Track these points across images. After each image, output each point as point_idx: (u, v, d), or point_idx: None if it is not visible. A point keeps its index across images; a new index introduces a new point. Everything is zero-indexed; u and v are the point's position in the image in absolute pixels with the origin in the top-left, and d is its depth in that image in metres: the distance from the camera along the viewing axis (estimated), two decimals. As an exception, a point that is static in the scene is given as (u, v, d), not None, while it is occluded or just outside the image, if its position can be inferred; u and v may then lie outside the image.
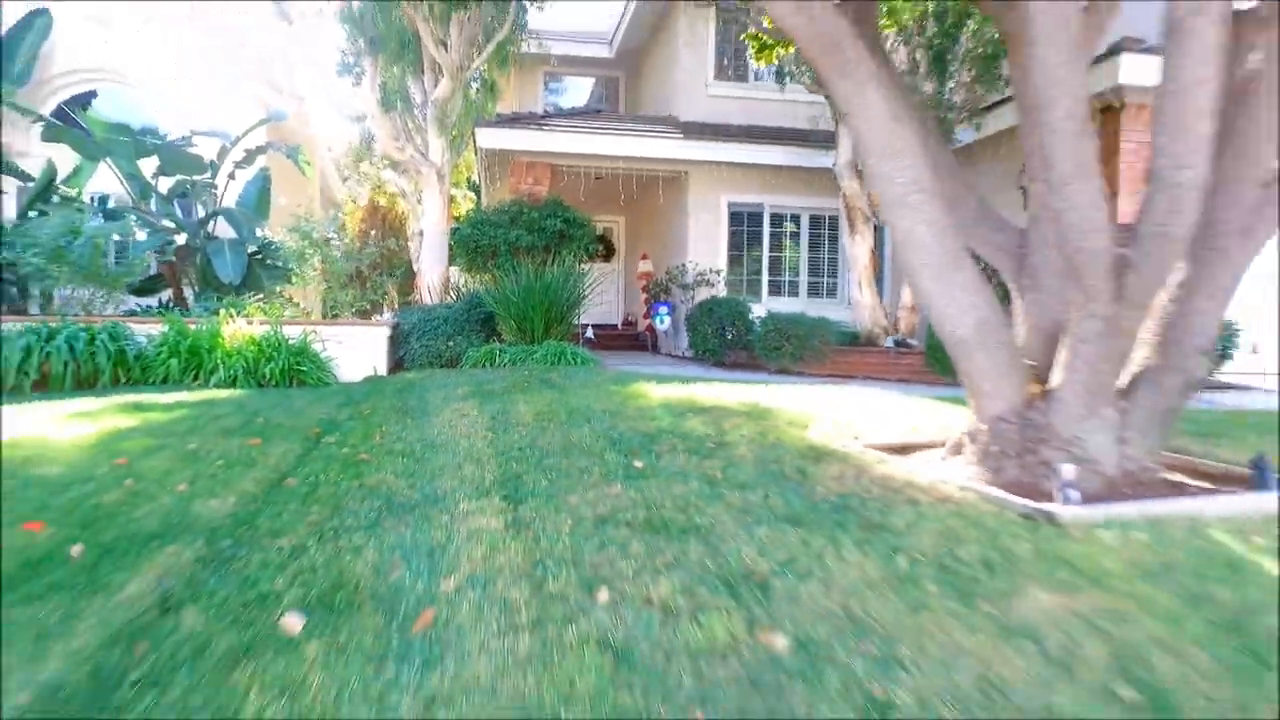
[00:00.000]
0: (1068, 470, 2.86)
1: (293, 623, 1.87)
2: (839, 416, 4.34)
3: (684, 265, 11.12)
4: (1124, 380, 3.24)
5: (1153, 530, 2.57)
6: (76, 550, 2.27)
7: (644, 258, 12.92)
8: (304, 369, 7.13)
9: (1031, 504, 2.78)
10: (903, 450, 3.80)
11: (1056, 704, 1.64)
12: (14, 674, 1.65)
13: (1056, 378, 3.24)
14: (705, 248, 11.31)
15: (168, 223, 9.82)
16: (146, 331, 7.19)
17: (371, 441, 3.72)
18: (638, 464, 3.13)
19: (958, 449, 3.47)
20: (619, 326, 14.68)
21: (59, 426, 3.73)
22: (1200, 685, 1.71)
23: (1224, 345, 7.63)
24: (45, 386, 6.31)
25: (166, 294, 10.14)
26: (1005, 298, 3.79)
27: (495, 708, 1.56)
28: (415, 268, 12.95)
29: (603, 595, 2.03)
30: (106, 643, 1.78)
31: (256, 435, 3.73)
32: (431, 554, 2.29)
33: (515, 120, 9.99)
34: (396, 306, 12.89)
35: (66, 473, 2.95)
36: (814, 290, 11.89)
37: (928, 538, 2.46)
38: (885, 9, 6.37)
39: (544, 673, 1.67)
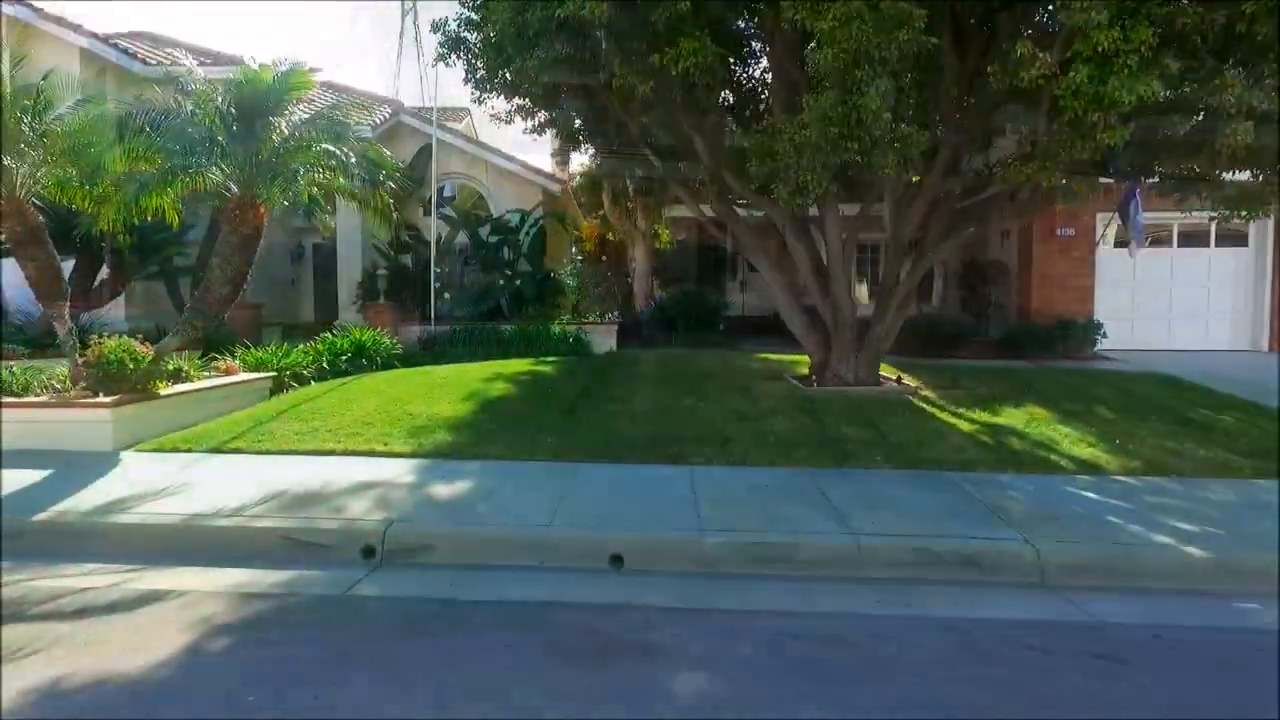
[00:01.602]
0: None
1: (440, 379, 9.01)
2: (803, 362, 10.86)
3: (795, 281, 17.49)
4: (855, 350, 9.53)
5: (832, 393, 8.95)
6: (442, 378, 9.62)
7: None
8: (579, 347, 14.69)
9: (805, 387, 9.23)
10: (799, 376, 10.26)
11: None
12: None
13: (832, 349, 9.55)
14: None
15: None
16: (500, 327, 15.10)
17: (615, 369, 10.89)
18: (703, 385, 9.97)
19: (805, 373, 9.92)
20: (771, 316, 21.19)
21: (452, 370, 11.38)
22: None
23: (1092, 333, 12.73)
24: (470, 356, 14.35)
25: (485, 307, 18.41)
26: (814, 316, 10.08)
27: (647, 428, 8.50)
28: (631, 284, 20.35)
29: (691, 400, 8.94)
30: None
31: (573, 372, 11.10)
32: (635, 400, 9.30)
33: (679, 200, 16.97)
34: (618, 310, 20.43)
35: (449, 378, 10.43)
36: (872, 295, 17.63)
37: (772, 395, 9.07)
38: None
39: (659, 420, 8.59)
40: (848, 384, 9.36)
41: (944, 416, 8.23)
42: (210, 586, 4.27)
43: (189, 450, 6.96)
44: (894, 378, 9.81)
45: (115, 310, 13.13)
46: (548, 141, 26.04)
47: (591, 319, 15.97)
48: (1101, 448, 7.09)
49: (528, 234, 18.90)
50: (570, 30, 7.38)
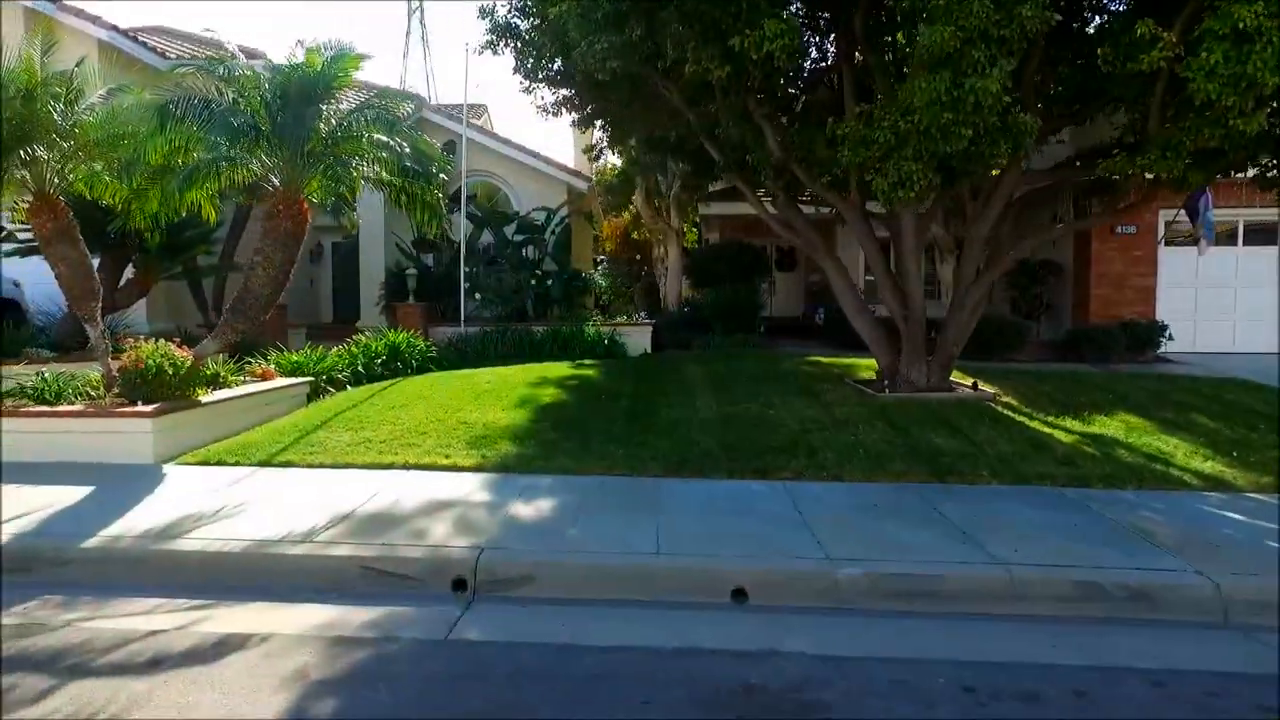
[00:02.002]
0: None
1: (485, 385, 8.50)
2: (863, 365, 10.34)
3: (832, 281, 16.96)
4: (928, 355, 9.01)
5: (906, 399, 8.44)
6: (486, 385, 9.11)
7: (815, 270, 18.82)
8: (614, 349, 14.18)
9: (875, 392, 8.72)
10: (863, 381, 9.74)
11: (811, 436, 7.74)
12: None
13: (902, 353, 9.03)
14: (851, 268, 16.96)
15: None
16: (532, 329, 14.57)
17: (661, 372, 10.38)
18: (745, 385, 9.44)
19: (873, 377, 9.39)
20: (799, 318, 20.65)
21: (494, 374, 10.88)
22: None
23: (1156, 335, 12.20)
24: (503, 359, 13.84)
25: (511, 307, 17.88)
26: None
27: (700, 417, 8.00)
28: (657, 284, 19.83)
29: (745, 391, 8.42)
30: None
31: (619, 376, 10.60)
32: (686, 403, 8.79)
33: (721, 195, 16.48)
34: (642, 310, 19.90)
35: (495, 383, 9.93)
36: (928, 295, 17.06)
37: (841, 401, 8.55)
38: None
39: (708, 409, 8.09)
40: (919, 389, 8.84)
41: (1035, 426, 7.71)
42: (293, 628, 3.76)
43: (236, 463, 6.45)
44: (967, 383, 9.28)
45: (137, 312, 12.65)
46: (571, 138, 25.66)
47: (622, 320, 15.46)
48: (1220, 461, 6.56)
49: (553, 232, 18.38)
50: (641, 13, 6.86)
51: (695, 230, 19.97)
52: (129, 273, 11.23)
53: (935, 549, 4.60)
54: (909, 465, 6.40)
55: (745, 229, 18.16)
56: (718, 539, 4.76)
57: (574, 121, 10.29)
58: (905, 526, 5.02)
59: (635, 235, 22.96)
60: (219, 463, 6.47)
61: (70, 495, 5.51)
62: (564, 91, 9.73)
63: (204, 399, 7.27)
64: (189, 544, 4.57)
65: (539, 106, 10.08)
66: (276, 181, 7.63)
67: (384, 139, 7.34)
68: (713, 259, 16.31)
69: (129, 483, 5.89)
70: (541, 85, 9.33)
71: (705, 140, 9.13)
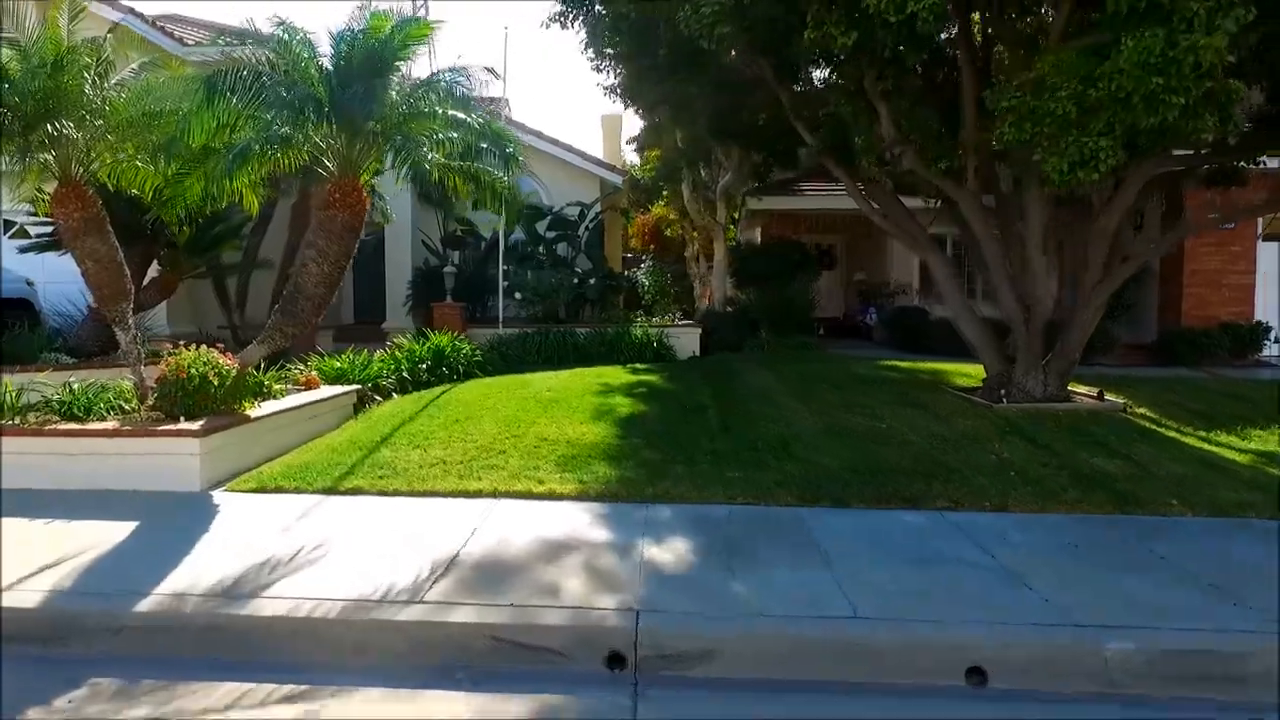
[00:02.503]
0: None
1: (547, 394, 7.61)
2: (951, 371, 9.43)
3: (887, 280, 16.06)
4: (1044, 361, 8.12)
5: (1027, 410, 7.55)
6: (548, 393, 8.22)
7: (859, 270, 17.94)
8: (663, 352, 13.28)
9: (990, 403, 7.83)
10: (963, 389, 8.85)
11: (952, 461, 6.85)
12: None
13: (1017, 359, 8.15)
14: (903, 267, 16.12)
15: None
16: (575, 331, 13.67)
17: (732, 378, 9.52)
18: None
19: (974, 385, 8.50)
20: (840, 319, 19.75)
21: (552, 381, 9.99)
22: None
23: (1259, 337, 11.31)
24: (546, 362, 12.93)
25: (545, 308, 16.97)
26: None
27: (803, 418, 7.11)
28: (693, 283, 18.90)
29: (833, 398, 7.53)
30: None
31: (686, 382, 9.72)
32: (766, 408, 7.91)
33: (769, 189, 15.58)
34: (677, 311, 18.99)
35: (557, 391, 9.02)
36: (989, 295, 16.17)
37: (955, 413, 7.66)
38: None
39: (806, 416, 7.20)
40: (1035, 399, 7.95)
41: (1191, 442, 6.82)
42: (431, 732, 2.87)
43: (297, 489, 5.55)
44: (1084, 391, 8.39)
45: (158, 314, 11.75)
46: (600, 133, 24.75)
47: (664, 320, 14.56)
48: None
49: (587, 229, 17.50)
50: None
51: (731, 227, 19.08)
52: (153, 271, 10.31)
53: (1195, 609, 3.71)
54: (1081, 493, 5.50)
55: (787, 226, 17.31)
56: (916, 595, 3.87)
57: (634, 107, 9.39)
58: (1134, 575, 4.12)
59: (668, 232, 22.06)
60: (277, 489, 5.57)
61: (110, 535, 4.61)
62: (636, 63, 8.80)
63: (252, 413, 6.37)
64: (270, 604, 3.67)
65: (606, 87, 9.16)
66: (331, 166, 6.73)
67: (460, 115, 6.44)
68: (760, 256, 15.41)
69: (178, 516, 4.99)
70: (609, 63, 8.42)
71: (796, 122, 8.23)
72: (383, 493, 5.51)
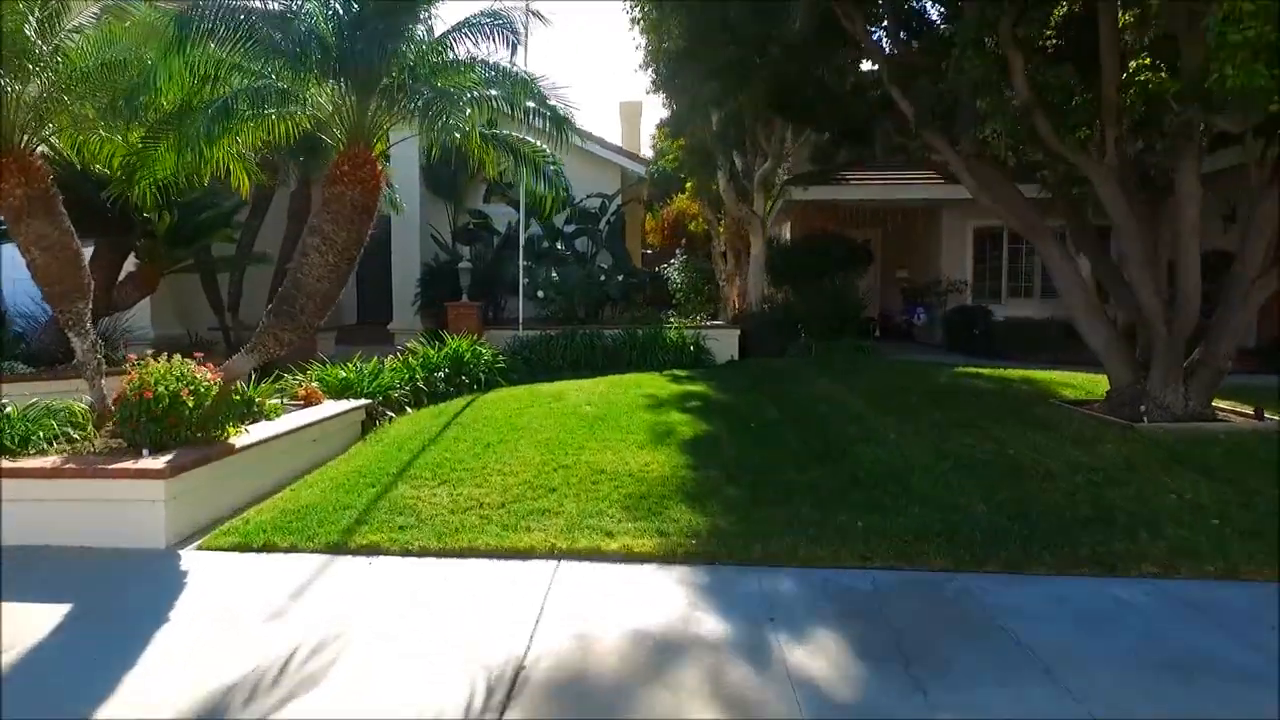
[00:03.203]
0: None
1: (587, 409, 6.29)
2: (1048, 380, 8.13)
3: (938, 278, 14.73)
4: (1185, 370, 6.80)
5: (1177, 431, 6.24)
6: (589, 408, 6.89)
7: (902, 267, 16.63)
8: (700, 356, 11.97)
9: (1128, 422, 6.52)
10: (1077, 403, 7.54)
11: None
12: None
13: (1153, 368, 6.84)
14: (955, 263, 14.80)
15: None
16: (602, 332, 12.34)
17: (794, 387, 8.22)
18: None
19: (1104, 401, 7.19)
20: (875, 319, 18.43)
21: (591, 394, 8.69)
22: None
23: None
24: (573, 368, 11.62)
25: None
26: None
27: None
28: (720, 281, 17.57)
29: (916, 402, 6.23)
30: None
31: (745, 394, 8.41)
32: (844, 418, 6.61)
33: (813, 177, 14.28)
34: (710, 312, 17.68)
35: (598, 406, 7.73)
36: (1047, 293, 14.84)
37: (1089, 434, 6.35)
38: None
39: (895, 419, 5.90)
40: (1177, 417, 6.63)
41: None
42: None
43: (293, 547, 4.23)
44: (1241, 409, 7.06)
45: (139, 314, 10.44)
46: (618, 119, 23.42)
47: (702, 322, 13.27)
48: None
49: (608, 222, 16.20)
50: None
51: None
52: (130, 265, 8.99)
53: None
54: (1327, 552, 4.19)
55: (819, 219, 15.98)
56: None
57: (670, 89, 8.04)
58: None
59: (691, 227, 20.76)
60: (266, 546, 4.25)
61: (35, 625, 3.30)
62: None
63: (237, 440, 5.06)
64: (250, 771, 2.36)
65: (643, 59, 7.85)
66: (339, 133, 5.42)
67: (506, 66, 5.12)
68: (802, 251, 14.09)
69: (129, 592, 3.69)
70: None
71: (896, 90, 6.91)
72: (406, 551, 4.19)
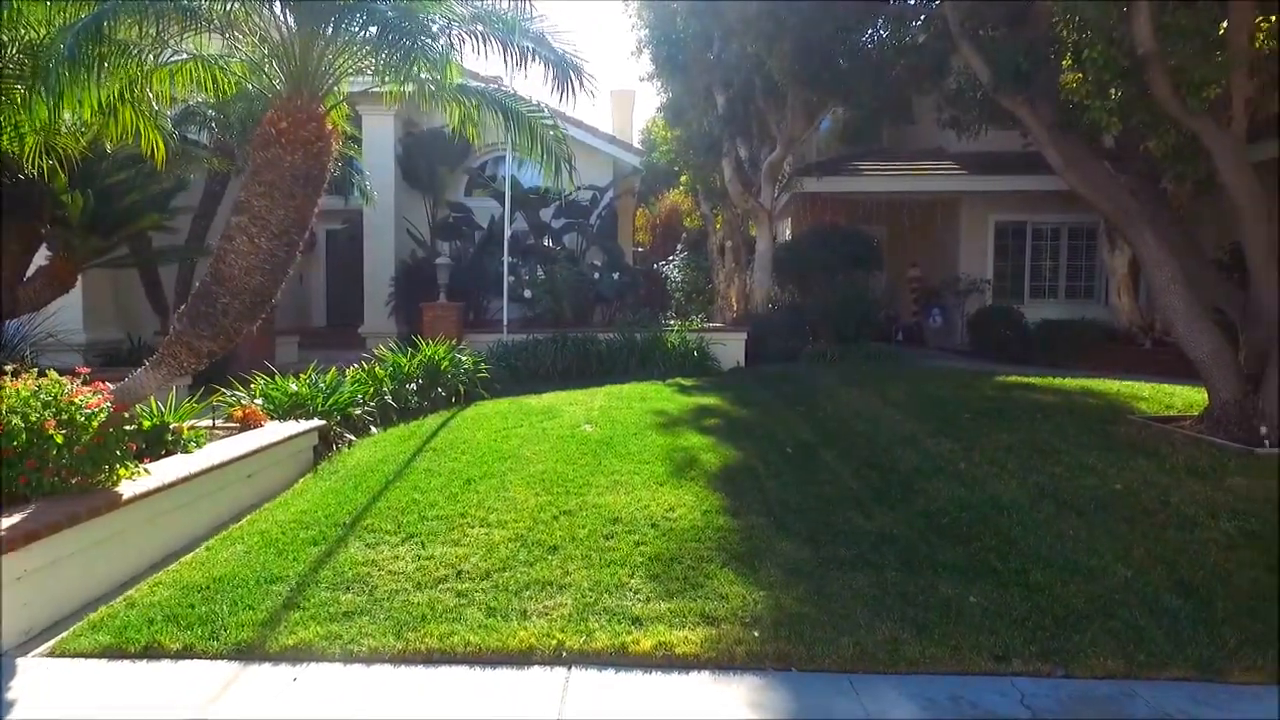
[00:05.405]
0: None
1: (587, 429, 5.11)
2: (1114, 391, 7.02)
3: (957, 275, 13.62)
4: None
5: (1308, 459, 5.13)
6: (589, 428, 5.70)
7: (914, 265, 15.50)
8: (705, 363, 10.78)
9: (1243, 446, 5.40)
10: (1162, 420, 6.43)
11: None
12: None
13: (1267, 380, 5.73)
14: (975, 260, 13.70)
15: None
16: (595, 337, 11.10)
17: (821, 400, 7.08)
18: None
19: (1201, 419, 6.07)
20: (882, 321, 17.34)
21: (590, 409, 7.49)
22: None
23: None
24: (564, 376, 10.38)
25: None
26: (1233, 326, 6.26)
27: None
28: (716, 280, 16.38)
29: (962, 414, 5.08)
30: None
31: (769, 409, 7.22)
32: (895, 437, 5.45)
33: (825, 167, 13.15)
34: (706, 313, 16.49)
35: (600, 425, 6.53)
36: (1071, 293, 13.81)
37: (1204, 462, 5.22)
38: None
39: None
40: (1293, 438, 5.54)
41: None
42: None
43: (186, 651, 2.95)
44: None
45: (68, 315, 9.07)
46: (609, 108, 22.18)
47: (695, 324, 12.08)
48: None
49: (600, 216, 14.97)
50: None
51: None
52: (42, 257, 7.62)
53: None
54: None
55: (823, 214, 14.81)
56: None
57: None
58: None
59: (687, 222, 19.54)
60: (149, 649, 2.97)
61: None
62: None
63: (130, 487, 3.77)
64: None
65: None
66: (276, 82, 4.17)
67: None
68: (814, 248, 12.91)
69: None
70: None
71: (967, 45, 5.73)
72: (350, 654, 2.93)
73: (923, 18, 7.54)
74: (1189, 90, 4.89)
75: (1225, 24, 4.86)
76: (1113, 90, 5.26)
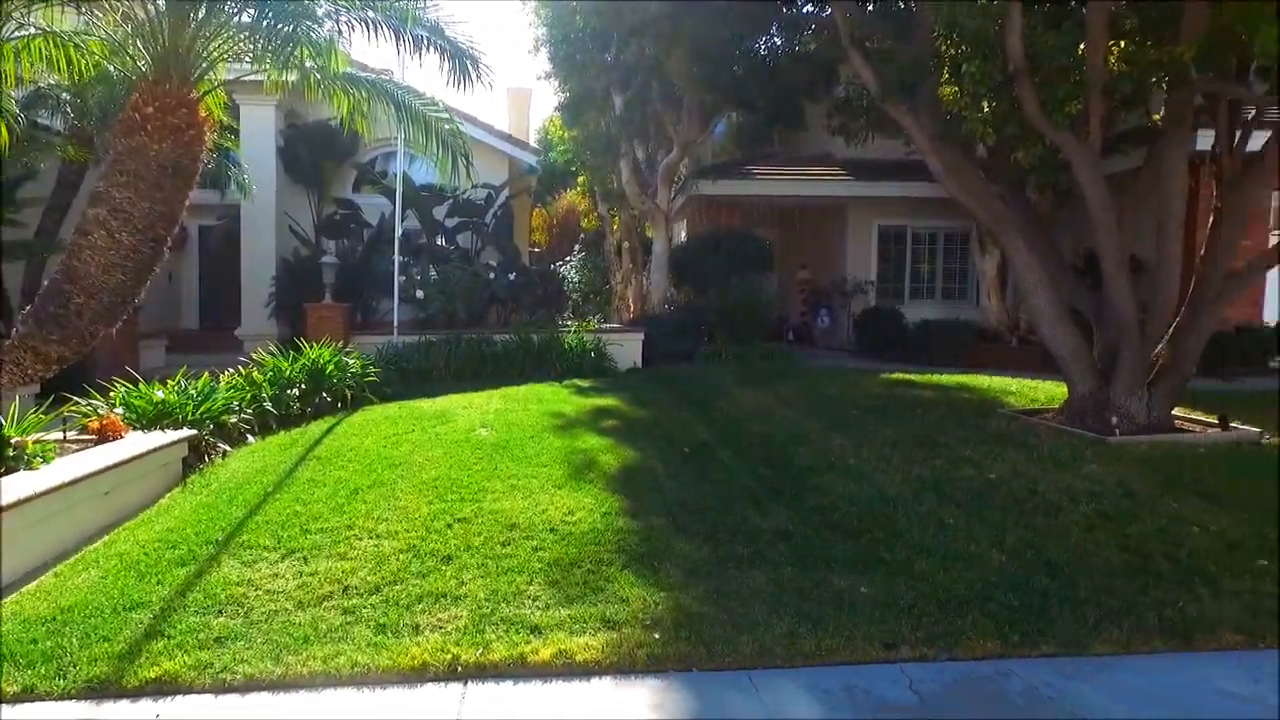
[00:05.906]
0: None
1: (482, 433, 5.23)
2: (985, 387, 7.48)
3: (844, 277, 14.21)
4: (1150, 377, 6.26)
5: (1152, 446, 5.64)
6: (484, 432, 5.75)
7: (803, 267, 16.05)
8: (602, 364, 10.76)
9: (1097, 435, 5.87)
10: (1028, 412, 6.90)
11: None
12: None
13: (1117, 376, 6.25)
14: (860, 263, 14.33)
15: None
16: (491, 338, 10.90)
17: (716, 399, 7.20)
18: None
19: (1061, 411, 6.56)
20: (787, 321, 17.85)
21: (485, 412, 7.41)
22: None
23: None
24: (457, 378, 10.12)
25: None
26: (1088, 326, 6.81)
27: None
28: (613, 281, 16.43)
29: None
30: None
31: (664, 408, 7.29)
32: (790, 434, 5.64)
33: (720, 170, 13.41)
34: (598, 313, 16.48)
35: (496, 428, 6.53)
36: (948, 294, 14.67)
37: (1065, 451, 5.62)
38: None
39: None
40: (1140, 427, 6.09)
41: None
42: None
43: (27, 692, 2.66)
44: (1201, 417, 6.59)
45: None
46: (505, 106, 21.77)
47: (601, 325, 12.06)
48: None
49: (495, 216, 14.69)
50: None
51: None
52: None
53: None
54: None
55: (716, 217, 15.11)
56: None
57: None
58: None
59: (583, 223, 19.51)
60: (-14, 687, 2.66)
61: None
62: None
63: (-40, 510, 3.36)
64: None
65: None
66: (141, 64, 3.83)
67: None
68: (709, 250, 13.14)
69: None
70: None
71: (857, 56, 5.95)
72: (222, 684, 2.72)
73: (814, 27, 7.82)
74: (1053, 106, 5.31)
75: (1083, 46, 5.30)
76: (986, 103, 5.65)
